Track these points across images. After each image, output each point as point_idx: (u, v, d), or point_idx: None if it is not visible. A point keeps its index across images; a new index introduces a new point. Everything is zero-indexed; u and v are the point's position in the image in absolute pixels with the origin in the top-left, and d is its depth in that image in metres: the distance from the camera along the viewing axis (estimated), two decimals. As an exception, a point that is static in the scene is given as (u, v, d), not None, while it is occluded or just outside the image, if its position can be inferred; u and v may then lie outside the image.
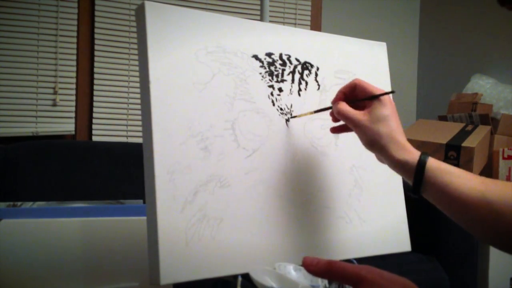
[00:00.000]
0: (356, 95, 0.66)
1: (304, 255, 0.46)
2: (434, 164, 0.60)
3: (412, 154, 0.61)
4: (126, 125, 2.09)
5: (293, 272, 0.53)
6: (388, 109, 0.63)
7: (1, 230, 0.66)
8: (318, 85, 0.76)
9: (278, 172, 0.69)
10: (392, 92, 0.66)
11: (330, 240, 0.72)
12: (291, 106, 0.72)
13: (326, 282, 0.50)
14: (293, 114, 0.72)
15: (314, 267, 0.46)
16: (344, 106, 0.65)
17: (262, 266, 0.53)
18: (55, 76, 1.98)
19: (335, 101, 0.67)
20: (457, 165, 1.78)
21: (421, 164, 0.59)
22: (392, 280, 0.42)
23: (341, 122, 0.69)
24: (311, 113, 0.72)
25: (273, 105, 0.70)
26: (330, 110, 0.69)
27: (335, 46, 0.79)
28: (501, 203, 0.55)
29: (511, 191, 0.56)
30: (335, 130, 0.72)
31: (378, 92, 0.64)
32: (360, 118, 0.63)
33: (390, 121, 0.62)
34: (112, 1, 2.06)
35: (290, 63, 0.73)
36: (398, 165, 0.61)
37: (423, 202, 0.84)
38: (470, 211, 0.57)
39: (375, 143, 0.62)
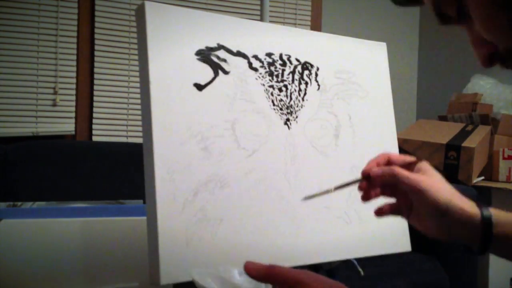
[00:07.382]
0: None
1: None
2: (500, 215, 0.55)
3: (473, 208, 0.55)
4: (126, 125, 2.09)
5: (238, 276, 0.52)
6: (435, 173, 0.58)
7: (1, 230, 0.66)
8: (318, 85, 0.76)
9: (278, 172, 0.69)
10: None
11: (330, 240, 0.72)
12: (291, 106, 0.72)
13: (270, 287, 0.50)
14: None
15: (254, 272, 0.47)
16: (401, 169, 0.58)
17: (206, 269, 0.53)
18: (55, 76, 1.97)
19: (371, 167, 0.59)
20: (457, 165, 1.77)
21: (486, 219, 0.54)
22: (327, 283, 0.45)
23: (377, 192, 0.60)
24: (331, 191, 0.61)
25: (273, 105, 0.70)
26: (358, 182, 0.60)
27: (335, 46, 0.79)
28: None
29: None
30: (369, 198, 0.60)
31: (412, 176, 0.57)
32: (423, 180, 0.56)
33: (444, 182, 0.58)
34: (112, 1, 2.06)
35: (290, 63, 0.73)
36: (464, 224, 0.55)
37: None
38: None
39: (440, 205, 0.55)
